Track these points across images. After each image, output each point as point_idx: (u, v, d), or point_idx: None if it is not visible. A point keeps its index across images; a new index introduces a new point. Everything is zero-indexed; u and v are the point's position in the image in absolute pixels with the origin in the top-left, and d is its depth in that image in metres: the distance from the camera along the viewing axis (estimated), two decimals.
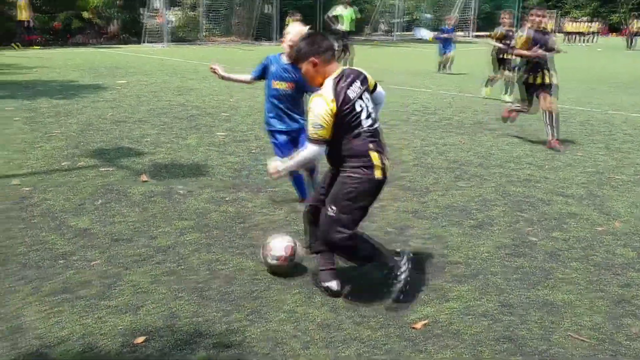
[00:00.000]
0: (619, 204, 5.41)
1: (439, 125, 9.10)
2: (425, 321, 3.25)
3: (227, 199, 5.26)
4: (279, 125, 4.83)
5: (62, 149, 6.85)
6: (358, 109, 3.30)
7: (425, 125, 9.07)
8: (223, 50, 25.78)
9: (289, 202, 5.18)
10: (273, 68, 4.72)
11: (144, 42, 25.97)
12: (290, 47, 4.24)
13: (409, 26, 44.79)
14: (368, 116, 3.36)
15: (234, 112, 9.75)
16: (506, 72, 12.01)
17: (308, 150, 3.34)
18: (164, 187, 5.53)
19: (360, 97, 3.34)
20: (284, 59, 4.65)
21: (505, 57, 11.95)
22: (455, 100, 11.93)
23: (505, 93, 12.09)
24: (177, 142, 7.35)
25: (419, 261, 3.99)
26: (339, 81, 3.28)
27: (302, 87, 4.58)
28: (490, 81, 12.52)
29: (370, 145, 3.32)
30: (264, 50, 23.78)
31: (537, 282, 3.78)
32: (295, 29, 4.35)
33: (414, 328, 3.18)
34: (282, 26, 30.66)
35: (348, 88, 3.28)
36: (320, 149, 3.32)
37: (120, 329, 3.10)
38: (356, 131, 3.31)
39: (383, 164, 3.35)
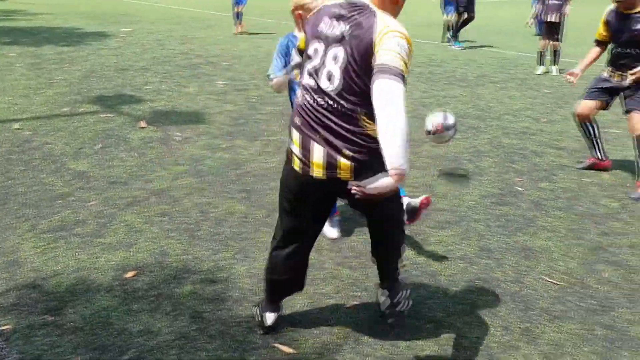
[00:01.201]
0: (611, 157, 5.46)
1: (441, 78, 9.08)
2: (405, 263, 3.38)
3: (222, 146, 5.36)
4: None
5: (64, 94, 6.94)
6: None
7: (428, 78, 9.04)
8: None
9: (283, 151, 5.27)
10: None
11: None
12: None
13: None
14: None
15: (236, 61, 9.75)
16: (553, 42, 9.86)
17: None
18: (162, 133, 5.64)
19: None
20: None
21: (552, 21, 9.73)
22: (461, 53, 11.82)
23: (554, 63, 9.87)
24: (178, 90, 7.42)
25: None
26: None
27: None
28: (541, 55, 9.97)
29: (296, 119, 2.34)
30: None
31: (518, 229, 3.89)
32: None
33: None
34: None
35: None
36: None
37: (113, 264, 3.26)
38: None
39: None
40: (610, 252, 3.63)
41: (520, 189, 4.62)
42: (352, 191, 2.15)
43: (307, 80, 2.28)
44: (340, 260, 3.41)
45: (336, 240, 3.64)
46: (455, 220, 4.01)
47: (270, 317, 2.69)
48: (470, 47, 12.70)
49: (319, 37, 2.25)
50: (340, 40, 2.16)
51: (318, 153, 2.22)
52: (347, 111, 2.16)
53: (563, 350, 2.66)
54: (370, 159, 2.17)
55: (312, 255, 3.30)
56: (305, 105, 2.28)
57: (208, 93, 7.36)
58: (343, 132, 2.18)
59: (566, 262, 3.47)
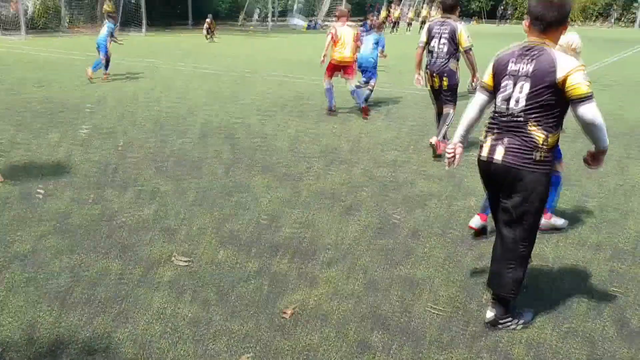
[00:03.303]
0: (475, 182, 5.82)
1: (313, 113, 9.27)
2: (295, 308, 3.33)
3: (91, 198, 5.03)
4: None
5: None
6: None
7: (300, 113, 9.20)
8: (89, 41, 24.39)
9: (158, 199, 5.06)
10: None
11: None
12: None
13: (284, 13, 44.96)
14: None
15: (100, 105, 9.30)
16: None
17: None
18: (22, 189, 5.18)
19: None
20: None
21: None
22: None
23: None
24: (37, 140, 6.89)
25: (289, 250, 4.08)
26: None
27: None
28: None
29: None
30: (132, 40, 22.82)
31: (400, 260, 4.00)
32: None
33: (284, 316, 3.25)
34: (148, 14, 29.54)
35: None
36: None
37: None
38: None
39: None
40: (486, 275, 3.82)
41: (397, 218, 4.78)
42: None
43: None
44: (229, 313, 3.28)
45: (225, 292, 3.50)
46: (341, 256, 4.04)
47: None
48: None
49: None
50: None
51: None
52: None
53: None
54: None
55: (197, 310, 3.15)
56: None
57: (71, 141, 6.92)
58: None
59: (448, 289, 3.61)
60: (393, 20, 38.01)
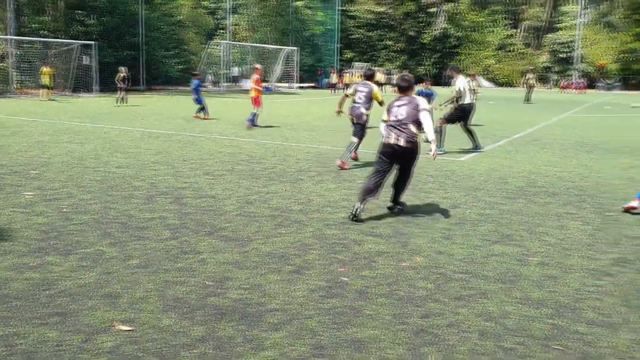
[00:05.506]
0: (421, 240, 5.94)
1: (263, 174, 9.32)
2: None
3: (31, 264, 4.86)
4: None
5: None
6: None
7: (250, 175, 9.24)
8: (38, 103, 24.12)
9: (101, 263, 4.94)
10: None
11: None
12: None
13: (237, 78, 45.71)
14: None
15: (46, 168, 9.12)
16: None
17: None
18: None
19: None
20: None
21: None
22: (279, 150, 12.32)
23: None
24: None
25: (235, 314, 4.03)
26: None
27: None
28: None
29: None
30: (83, 103, 22.70)
31: (348, 321, 3.99)
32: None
33: None
34: (102, 78, 29.53)
35: None
36: None
37: None
38: None
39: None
40: (431, 333, 3.86)
41: (345, 279, 4.79)
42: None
43: None
44: None
45: None
46: (288, 319, 4.00)
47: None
48: (284, 143, 13.32)
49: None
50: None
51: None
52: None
53: None
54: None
55: None
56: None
57: (13, 206, 6.73)
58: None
59: (394, 349, 3.61)
60: (345, 83, 39.68)
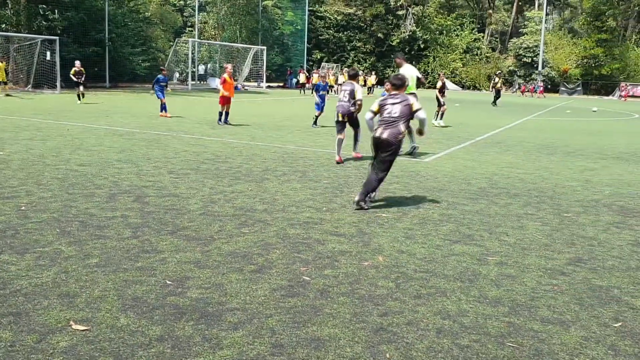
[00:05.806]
0: (384, 240, 5.99)
1: (228, 173, 9.28)
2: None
3: None
4: None
5: None
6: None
7: (215, 174, 9.18)
8: None
9: (59, 262, 4.85)
10: None
11: None
12: None
13: (204, 76, 45.35)
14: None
15: (4, 166, 8.91)
16: None
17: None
18: None
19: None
20: None
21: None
22: (245, 149, 12.28)
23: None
24: None
25: (195, 313, 4.00)
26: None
27: None
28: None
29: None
30: (45, 99, 22.22)
31: (307, 320, 4.00)
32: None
33: None
34: (66, 75, 28.94)
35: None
36: None
37: None
38: None
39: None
40: (390, 331, 3.90)
41: (307, 278, 4.81)
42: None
43: None
44: None
45: (123, 359, 3.36)
46: (248, 318, 3.99)
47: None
48: (251, 142, 13.28)
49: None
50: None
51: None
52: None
53: None
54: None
55: None
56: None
57: None
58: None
59: (352, 348, 3.64)
60: (313, 83, 39.92)
